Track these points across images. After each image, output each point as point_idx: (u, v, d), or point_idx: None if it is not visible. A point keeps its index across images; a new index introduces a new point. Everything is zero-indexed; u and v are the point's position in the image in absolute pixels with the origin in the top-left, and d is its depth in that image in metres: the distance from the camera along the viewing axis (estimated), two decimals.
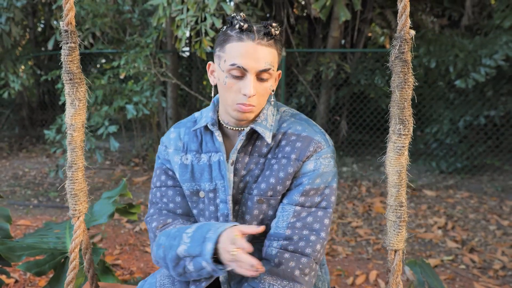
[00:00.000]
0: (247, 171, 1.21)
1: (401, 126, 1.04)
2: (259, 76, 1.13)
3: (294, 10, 6.32)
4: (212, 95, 1.26)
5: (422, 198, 4.76)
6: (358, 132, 6.29)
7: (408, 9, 1.00)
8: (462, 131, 5.38)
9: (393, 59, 1.01)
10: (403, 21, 1.00)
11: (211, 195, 1.24)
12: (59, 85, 4.99)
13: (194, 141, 1.28)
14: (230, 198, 1.20)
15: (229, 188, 1.20)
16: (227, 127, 1.24)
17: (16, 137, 7.52)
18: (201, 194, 1.25)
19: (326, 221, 1.18)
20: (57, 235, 2.13)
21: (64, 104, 6.66)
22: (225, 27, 1.18)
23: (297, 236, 1.15)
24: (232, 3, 5.41)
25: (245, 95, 1.12)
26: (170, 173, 1.31)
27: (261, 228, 1.03)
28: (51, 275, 2.76)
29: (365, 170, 5.75)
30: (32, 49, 6.92)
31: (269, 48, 1.12)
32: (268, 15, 5.99)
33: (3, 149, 6.92)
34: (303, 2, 5.73)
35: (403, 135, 1.05)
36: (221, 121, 1.25)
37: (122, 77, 4.91)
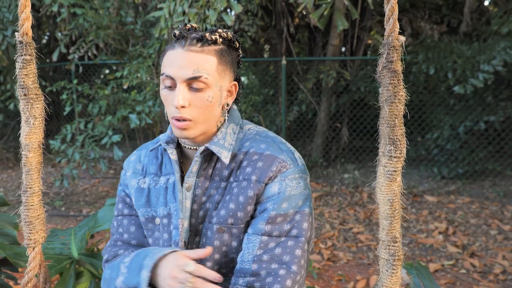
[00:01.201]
0: (207, 197, 1.08)
1: (392, 147, 0.89)
2: (191, 86, 1.02)
3: (295, 19, 6.41)
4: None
5: (423, 203, 4.79)
6: (359, 139, 6.34)
7: (396, 12, 0.87)
8: (462, 137, 5.42)
9: (380, 69, 0.88)
10: (391, 25, 0.87)
11: (165, 221, 1.11)
12: (64, 96, 5.08)
13: (154, 163, 1.17)
14: (181, 222, 1.07)
15: (180, 211, 1.07)
16: (185, 147, 1.12)
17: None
18: (157, 220, 1.13)
19: (298, 251, 1.02)
20: (62, 241, 2.20)
21: (68, 114, 6.76)
22: None
23: (264, 271, 1.00)
24: (233, 13, 5.49)
25: (174, 106, 1.01)
26: (128, 200, 1.22)
27: (208, 250, 0.96)
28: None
29: (367, 177, 5.78)
30: (37, 60, 7.04)
31: (202, 54, 1.01)
32: (268, 24, 6.07)
33: (9, 159, 7.02)
34: (304, 12, 5.81)
35: (395, 157, 0.89)
36: (179, 140, 1.14)
37: (125, 87, 4.99)
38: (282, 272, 1.00)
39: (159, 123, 5.72)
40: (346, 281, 3.09)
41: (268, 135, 1.13)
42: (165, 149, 1.15)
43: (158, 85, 5.01)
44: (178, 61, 1.00)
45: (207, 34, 1.02)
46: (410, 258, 3.45)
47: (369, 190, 5.24)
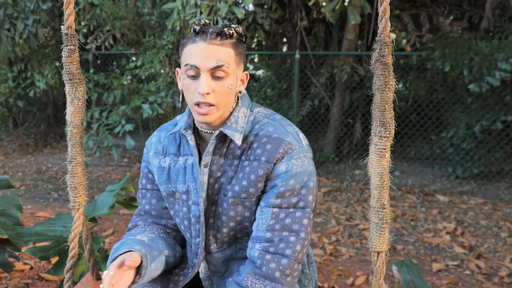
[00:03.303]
0: (222, 173, 1.24)
1: (382, 129, 1.04)
2: (214, 74, 1.15)
3: (314, 13, 6.36)
4: (180, 100, 1.26)
5: (434, 203, 4.72)
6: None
7: (388, 13, 1.01)
8: (478, 136, 5.30)
9: (373, 62, 1.02)
10: (383, 24, 1.01)
11: (184, 196, 1.28)
12: None
13: (173, 144, 1.32)
14: (202, 200, 1.24)
15: (201, 190, 1.23)
16: (202, 131, 1.27)
17: (42, 134, 7.81)
18: (177, 195, 1.29)
19: (305, 221, 1.19)
20: (64, 224, 2.25)
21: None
22: None
23: (277, 238, 1.17)
24: (250, 7, 5.48)
25: (199, 93, 1.14)
26: (150, 176, 1.38)
27: (130, 267, 1.07)
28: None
29: None
30: (58, 50, 7.18)
31: (222, 47, 1.15)
32: (284, 18, 6.05)
33: (29, 145, 7.20)
34: (318, 6, 5.76)
35: (384, 137, 1.05)
36: (196, 125, 1.29)
37: (143, 77, 5.05)
38: (292, 239, 1.17)
39: (173, 113, 5.77)
40: (346, 276, 3.09)
41: (275, 118, 1.27)
42: (183, 134, 1.30)
43: (170, 76, 5.06)
44: (202, 53, 1.14)
45: (225, 29, 1.15)
46: (414, 257, 3.41)
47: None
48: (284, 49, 7.37)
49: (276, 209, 1.18)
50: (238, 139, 1.20)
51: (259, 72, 8.14)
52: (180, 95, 1.26)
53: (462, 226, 4.05)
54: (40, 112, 7.85)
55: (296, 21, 5.54)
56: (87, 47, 5.51)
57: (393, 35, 1.01)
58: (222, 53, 1.14)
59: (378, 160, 1.07)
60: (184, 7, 4.13)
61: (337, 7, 3.71)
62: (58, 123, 8.06)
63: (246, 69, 1.31)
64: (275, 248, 1.16)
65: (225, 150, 1.24)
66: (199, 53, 1.14)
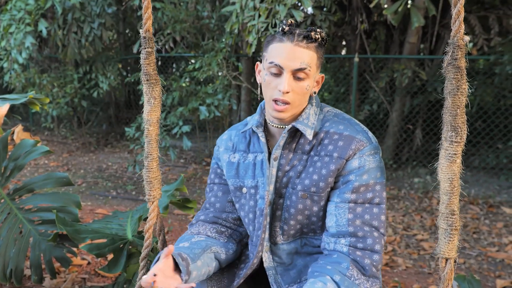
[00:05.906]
0: (290, 167, 1.30)
1: (453, 133, 1.05)
2: (295, 75, 1.22)
3: (375, 15, 6.21)
4: (259, 92, 1.34)
5: (499, 215, 4.44)
6: (433, 142, 6.00)
7: (462, 15, 1.00)
8: None
9: (445, 65, 1.03)
10: (457, 27, 1.01)
11: (252, 191, 1.35)
12: (141, 86, 5.34)
13: (243, 142, 1.42)
14: (267, 194, 1.30)
15: (267, 184, 1.30)
16: (272, 125, 1.33)
17: (103, 133, 8.14)
18: (244, 190, 1.38)
19: (383, 217, 1.24)
20: (120, 222, 2.30)
21: (143, 104, 7.11)
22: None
23: (361, 232, 1.21)
24: (309, 9, 5.43)
25: (280, 90, 1.21)
26: (219, 171, 1.48)
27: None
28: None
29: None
30: (121, 52, 7.47)
31: (307, 50, 1.21)
32: (343, 20, 5.94)
33: (91, 143, 7.53)
34: (380, 8, 5.61)
35: (455, 142, 1.05)
36: (267, 121, 1.36)
37: (201, 80, 5.12)
38: (376, 234, 1.22)
39: (229, 116, 5.82)
40: None
41: (345, 117, 1.33)
42: (254, 131, 1.39)
43: (228, 78, 5.11)
44: (288, 54, 1.20)
45: (312, 33, 1.22)
46: (476, 272, 3.22)
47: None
48: (343, 52, 7.24)
49: (352, 204, 1.22)
50: (309, 134, 1.27)
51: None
52: (259, 88, 1.34)
53: None
54: (102, 112, 8.18)
55: (356, 23, 5.42)
56: None
57: (467, 38, 1.01)
58: (306, 56, 1.21)
59: (448, 165, 1.06)
60: (242, 10, 4.15)
61: (399, 9, 3.59)
62: (119, 123, 8.37)
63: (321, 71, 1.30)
64: (364, 244, 1.20)
65: (294, 145, 1.31)
66: (284, 53, 1.20)
